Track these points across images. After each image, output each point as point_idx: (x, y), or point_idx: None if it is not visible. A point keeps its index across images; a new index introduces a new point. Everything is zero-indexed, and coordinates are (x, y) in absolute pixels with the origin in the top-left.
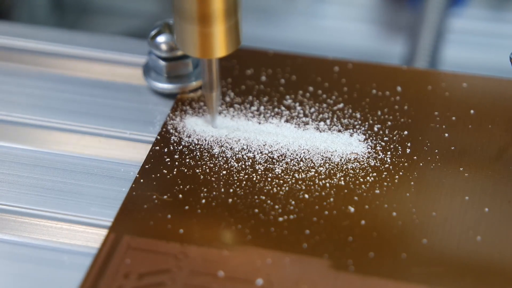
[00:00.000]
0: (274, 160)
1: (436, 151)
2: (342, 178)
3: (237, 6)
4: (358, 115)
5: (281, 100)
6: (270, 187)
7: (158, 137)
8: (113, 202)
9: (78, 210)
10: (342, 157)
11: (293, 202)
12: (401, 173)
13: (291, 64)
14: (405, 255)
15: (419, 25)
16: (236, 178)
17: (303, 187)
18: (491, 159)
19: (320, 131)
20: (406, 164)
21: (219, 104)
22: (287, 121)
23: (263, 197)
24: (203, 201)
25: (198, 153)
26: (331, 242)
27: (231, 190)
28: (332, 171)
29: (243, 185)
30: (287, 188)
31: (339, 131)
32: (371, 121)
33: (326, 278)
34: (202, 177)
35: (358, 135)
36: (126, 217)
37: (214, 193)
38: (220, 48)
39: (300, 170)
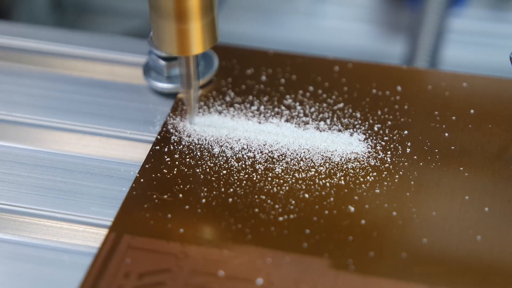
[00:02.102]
0: (274, 160)
1: (436, 150)
2: (342, 178)
3: (213, 3)
4: (358, 115)
5: (281, 99)
6: (270, 187)
7: (158, 137)
8: (113, 201)
9: (78, 210)
10: (342, 157)
11: (293, 202)
12: (401, 173)
13: (291, 63)
14: (405, 254)
15: (419, 25)
16: (236, 177)
17: (303, 187)
18: (491, 158)
19: (320, 131)
20: (406, 163)
21: (197, 101)
22: (287, 120)
23: (263, 197)
24: (203, 200)
25: (198, 153)
26: (331, 242)
27: (231, 190)
28: (332, 171)
29: (243, 184)
30: (287, 188)
31: (339, 130)
32: (371, 121)
33: (326, 278)
34: (202, 176)
35: (358, 134)
36: (126, 217)
37: (214, 192)
38: (197, 45)
39: (300, 169)
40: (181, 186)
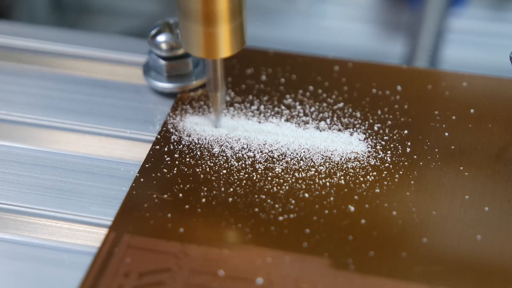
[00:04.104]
0: (274, 159)
1: (436, 150)
2: (342, 177)
3: (242, 6)
4: (358, 114)
5: (281, 99)
6: (270, 186)
7: (158, 136)
8: (113, 201)
9: (78, 209)
10: (342, 156)
11: (293, 201)
12: (401, 172)
13: (291, 63)
14: (405, 254)
15: (419, 25)
16: (236, 177)
17: (303, 186)
18: (491, 158)
19: (320, 130)
20: (406, 163)
21: (224, 104)
22: (287, 120)
23: (263, 196)
24: (203, 200)
25: (198, 152)
26: (331, 241)
27: (231, 189)
28: (332, 170)
29: (243, 184)
30: (287, 187)
31: (339, 130)
32: (371, 120)
33: (326, 277)
34: (202, 176)
35: (358, 134)
36: (126, 216)
37: (214, 192)
38: (224, 49)
39: (300, 169)
40: (181, 186)
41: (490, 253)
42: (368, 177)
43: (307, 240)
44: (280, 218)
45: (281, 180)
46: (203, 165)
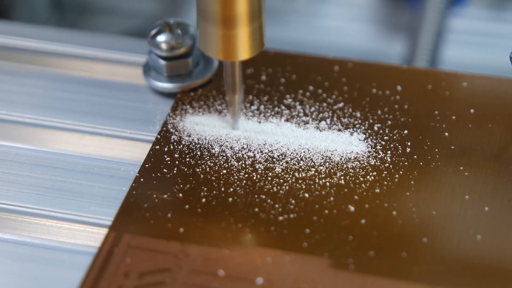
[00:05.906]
0: (274, 159)
1: (436, 150)
2: (342, 177)
3: (261, 9)
4: (358, 114)
5: (281, 99)
6: (270, 186)
7: (158, 136)
8: (114, 201)
9: (78, 209)
10: (342, 156)
11: (293, 201)
12: (401, 172)
13: (291, 63)
14: (405, 254)
15: (419, 25)
16: (236, 177)
17: (303, 186)
18: (491, 158)
19: (320, 130)
20: (406, 163)
21: (242, 107)
22: (287, 120)
23: (263, 196)
24: (203, 200)
25: (198, 152)
26: (331, 241)
27: (231, 189)
28: (332, 170)
29: (243, 184)
30: (287, 187)
31: (339, 130)
32: (371, 120)
33: (326, 277)
34: (202, 176)
35: (358, 134)
36: (126, 216)
37: (214, 192)
38: (243, 51)
39: (300, 169)
40: (181, 186)
41: (490, 253)
42: (368, 177)
43: (307, 240)
44: (280, 218)
45: (281, 180)
46: (203, 165)
